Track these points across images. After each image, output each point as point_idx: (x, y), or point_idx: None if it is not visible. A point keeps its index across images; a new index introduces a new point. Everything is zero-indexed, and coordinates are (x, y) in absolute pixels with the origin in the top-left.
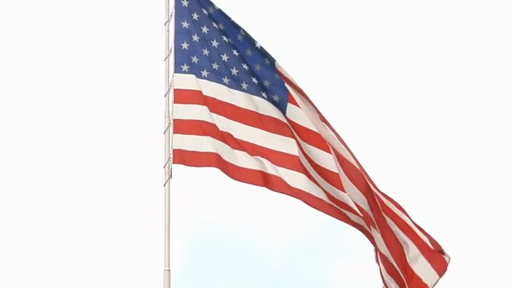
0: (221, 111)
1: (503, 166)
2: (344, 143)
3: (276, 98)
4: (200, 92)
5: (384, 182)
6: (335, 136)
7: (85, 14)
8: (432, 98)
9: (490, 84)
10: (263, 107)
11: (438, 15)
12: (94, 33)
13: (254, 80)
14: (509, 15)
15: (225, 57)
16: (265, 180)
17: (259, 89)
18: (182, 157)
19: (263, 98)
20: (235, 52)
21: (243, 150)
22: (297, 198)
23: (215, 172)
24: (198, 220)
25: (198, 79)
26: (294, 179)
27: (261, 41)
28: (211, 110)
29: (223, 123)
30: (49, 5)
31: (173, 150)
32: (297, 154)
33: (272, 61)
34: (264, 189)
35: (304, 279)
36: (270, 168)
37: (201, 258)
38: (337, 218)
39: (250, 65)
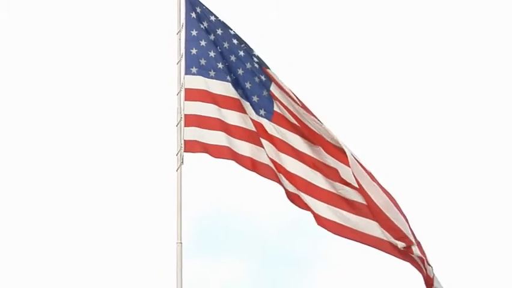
0: (226, 105)
1: (503, 166)
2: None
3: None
4: (207, 91)
5: (383, 181)
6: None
7: (111, 27)
8: (433, 98)
9: (490, 84)
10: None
11: (438, 15)
12: (117, 43)
13: (247, 85)
14: (510, 15)
15: (223, 63)
16: (254, 166)
17: (251, 93)
18: (192, 146)
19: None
20: (233, 57)
21: (244, 139)
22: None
23: (220, 160)
24: (206, 201)
25: (206, 79)
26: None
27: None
28: (219, 105)
29: (228, 115)
30: (89, 15)
31: (184, 140)
32: (277, 160)
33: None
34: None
35: (295, 253)
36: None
37: (208, 234)
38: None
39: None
